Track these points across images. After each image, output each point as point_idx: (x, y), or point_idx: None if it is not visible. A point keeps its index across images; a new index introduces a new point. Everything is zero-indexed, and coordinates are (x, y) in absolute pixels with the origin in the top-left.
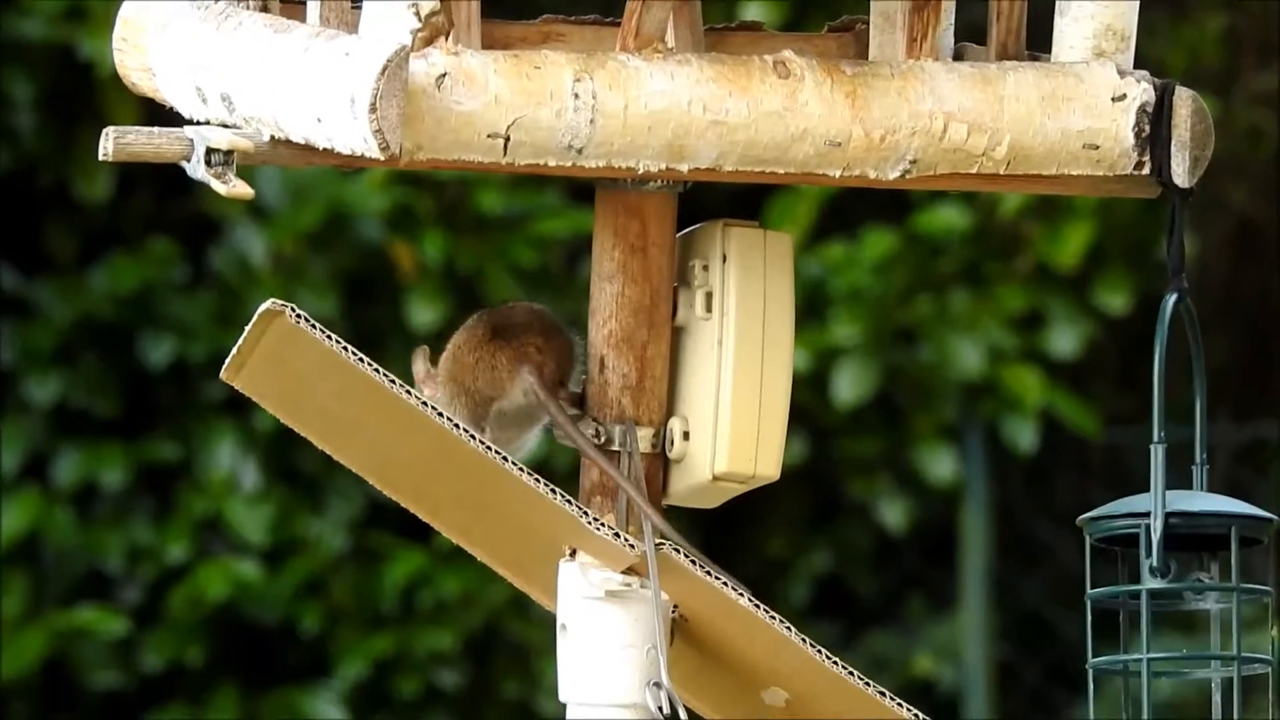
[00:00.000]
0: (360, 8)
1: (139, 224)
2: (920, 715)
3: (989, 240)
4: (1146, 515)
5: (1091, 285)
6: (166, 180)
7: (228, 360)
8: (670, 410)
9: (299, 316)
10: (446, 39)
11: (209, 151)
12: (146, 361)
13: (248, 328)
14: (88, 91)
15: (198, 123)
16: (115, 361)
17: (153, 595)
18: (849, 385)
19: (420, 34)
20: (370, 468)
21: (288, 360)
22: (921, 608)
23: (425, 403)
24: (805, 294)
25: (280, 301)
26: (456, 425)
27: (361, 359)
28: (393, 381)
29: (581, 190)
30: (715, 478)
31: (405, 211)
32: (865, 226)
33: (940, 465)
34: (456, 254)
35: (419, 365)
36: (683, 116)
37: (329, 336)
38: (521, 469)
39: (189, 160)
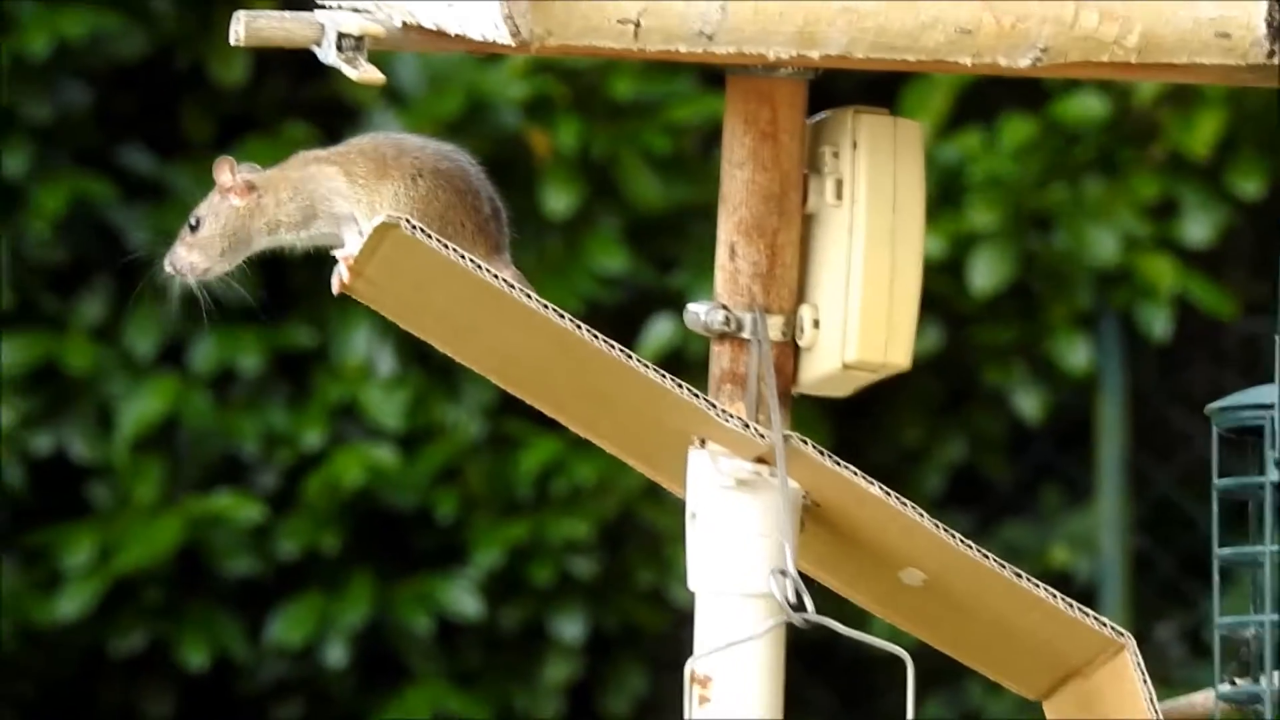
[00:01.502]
0: None
1: (275, 108)
2: (1057, 594)
3: (1124, 128)
4: (1272, 407)
5: (1225, 172)
6: (303, 64)
7: (344, 270)
8: (801, 298)
9: (414, 227)
10: None
11: (340, 36)
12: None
13: (364, 239)
14: None
15: (329, 7)
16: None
17: (288, 481)
18: (985, 272)
19: None
20: (492, 367)
21: (404, 269)
22: (1056, 498)
23: (545, 305)
24: (941, 181)
25: (395, 214)
26: (578, 325)
27: (478, 265)
28: (511, 286)
29: (716, 75)
30: (846, 366)
31: (541, 99)
32: (1002, 114)
33: (1075, 353)
34: (591, 140)
35: (226, 176)
36: (814, 3)
37: (445, 245)
38: (645, 364)
39: (320, 45)
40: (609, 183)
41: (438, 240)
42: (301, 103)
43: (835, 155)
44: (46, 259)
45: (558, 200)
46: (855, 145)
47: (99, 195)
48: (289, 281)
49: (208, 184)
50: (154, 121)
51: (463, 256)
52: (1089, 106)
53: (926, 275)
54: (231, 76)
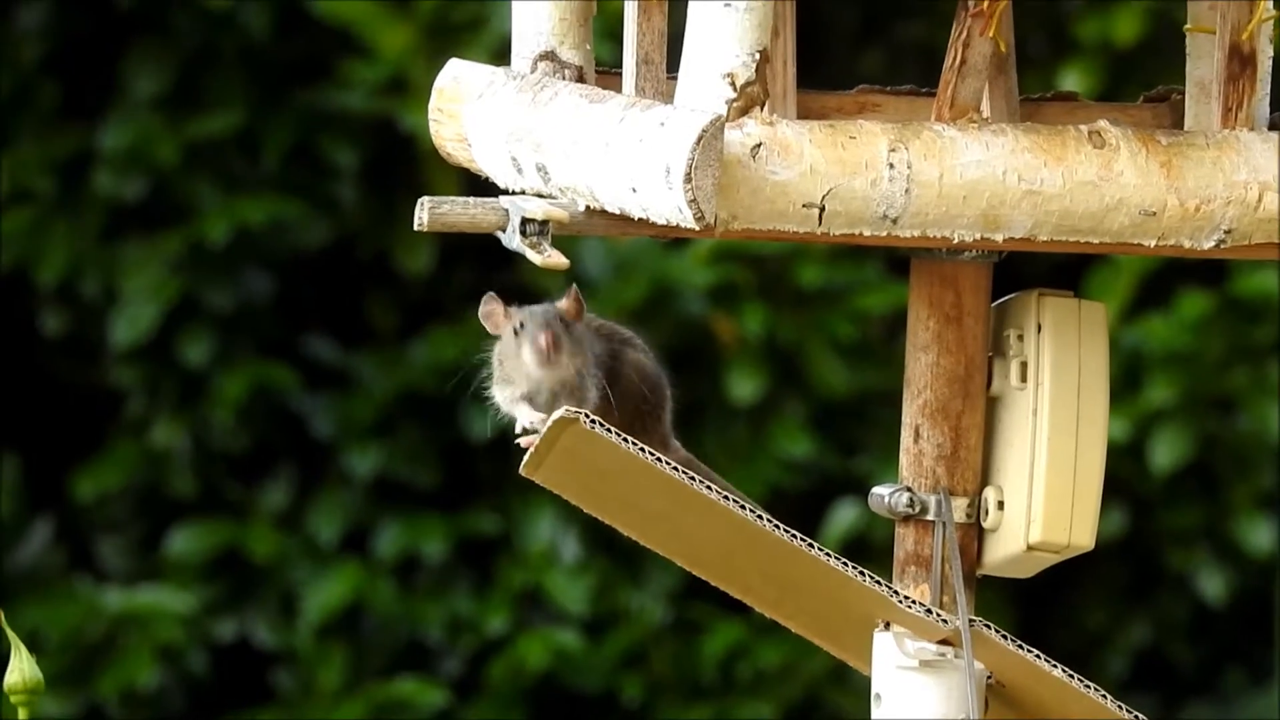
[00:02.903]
0: (676, 78)
1: (460, 296)
2: None
3: None
4: None
5: None
6: (487, 252)
7: (525, 458)
8: (985, 480)
9: (594, 422)
10: (762, 109)
11: (524, 221)
12: (467, 433)
13: (544, 429)
14: (409, 163)
15: (513, 193)
16: (435, 433)
17: (472, 666)
18: (1166, 450)
19: (735, 104)
20: (677, 551)
21: (585, 459)
22: (1239, 679)
23: (726, 495)
24: (1122, 364)
25: (574, 409)
26: (759, 515)
27: (658, 459)
28: (691, 478)
29: (900, 263)
30: (1030, 547)
31: (727, 286)
32: (1180, 291)
33: (1257, 535)
34: (776, 327)
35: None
36: (997, 186)
37: (625, 440)
38: (827, 553)
39: (504, 230)
40: (794, 369)
41: (616, 434)
42: (487, 290)
43: (1020, 338)
44: (229, 446)
45: (743, 387)
46: (1040, 328)
47: (281, 382)
48: (473, 468)
49: (395, 372)
50: (337, 310)
51: (642, 450)
52: (1269, 284)
53: (1109, 458)
54: (416, 265)
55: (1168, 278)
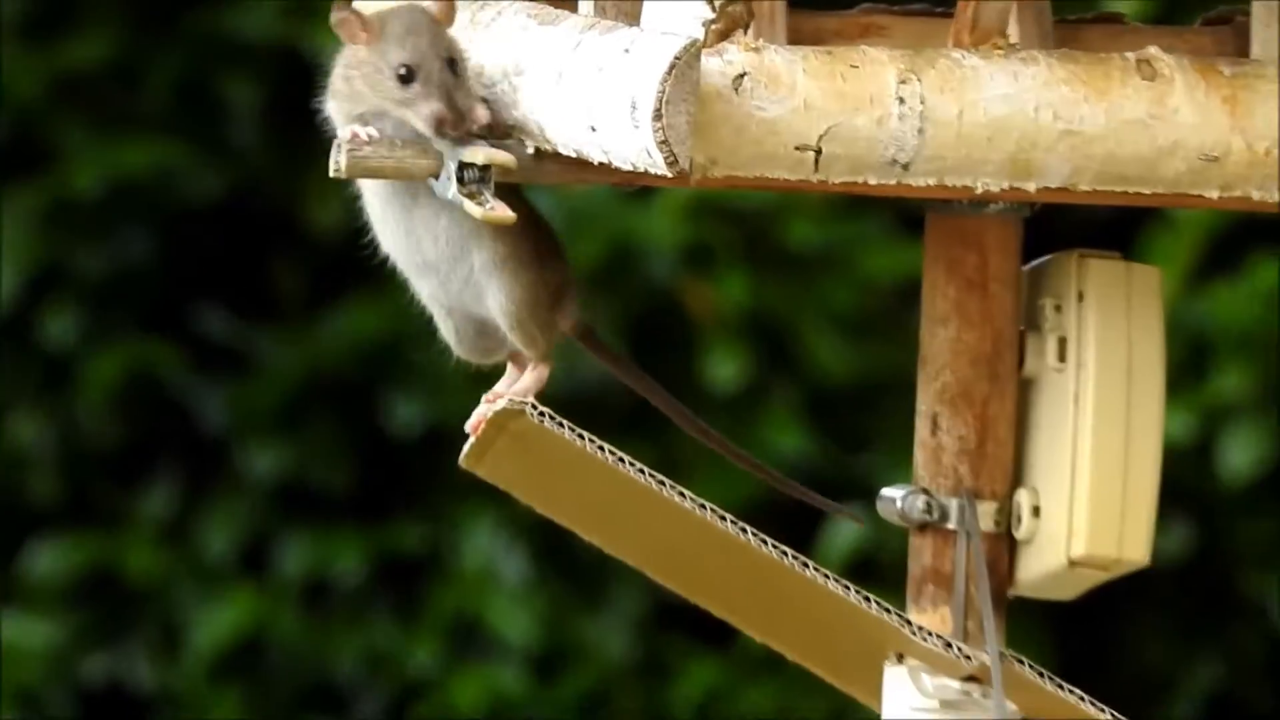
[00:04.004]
0: None
1: (382, 259)
2: None
3: None
4: None
5: None
6: None
7: (465, 448)
8: (1017, 480)
9: (542, 414)
10: (745, 32)
11: (462, 167)
12: (390, 427)
13: (483, 422)
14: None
15: (447, 136)
16: (351, 427)
17: (394, 710)
18: (1239, 452)
19: (715, 26)
20: (646, 561)
21: (534, 452)
22: None
23: (703, 504)
24: (1185, 345)
25: (519, 399)
26: (744, 529)
27: (621, 459)
28: (661, 483)
29: (912, 218)
30: (1072, 562)
31: (701, 246)
32: (1254, 259)
33: None
34: (762, 296)
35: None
36: (1029, 125)
37: (581, 436)
38: (825, 574)
39: (437, 178)
40: (784, 348)
41: (569, 428)
42: None
43: (1057, 309)
44: (101, 442)
45: (722, 369)
46: (1081, 296)
47: (165, 364)
48: (397, 470)
49: (303, 352)
50: (232, 276)
51: (601, 447)
52: None
53: (1170, 461)
54: (329, 220)
55: (1238, 239)
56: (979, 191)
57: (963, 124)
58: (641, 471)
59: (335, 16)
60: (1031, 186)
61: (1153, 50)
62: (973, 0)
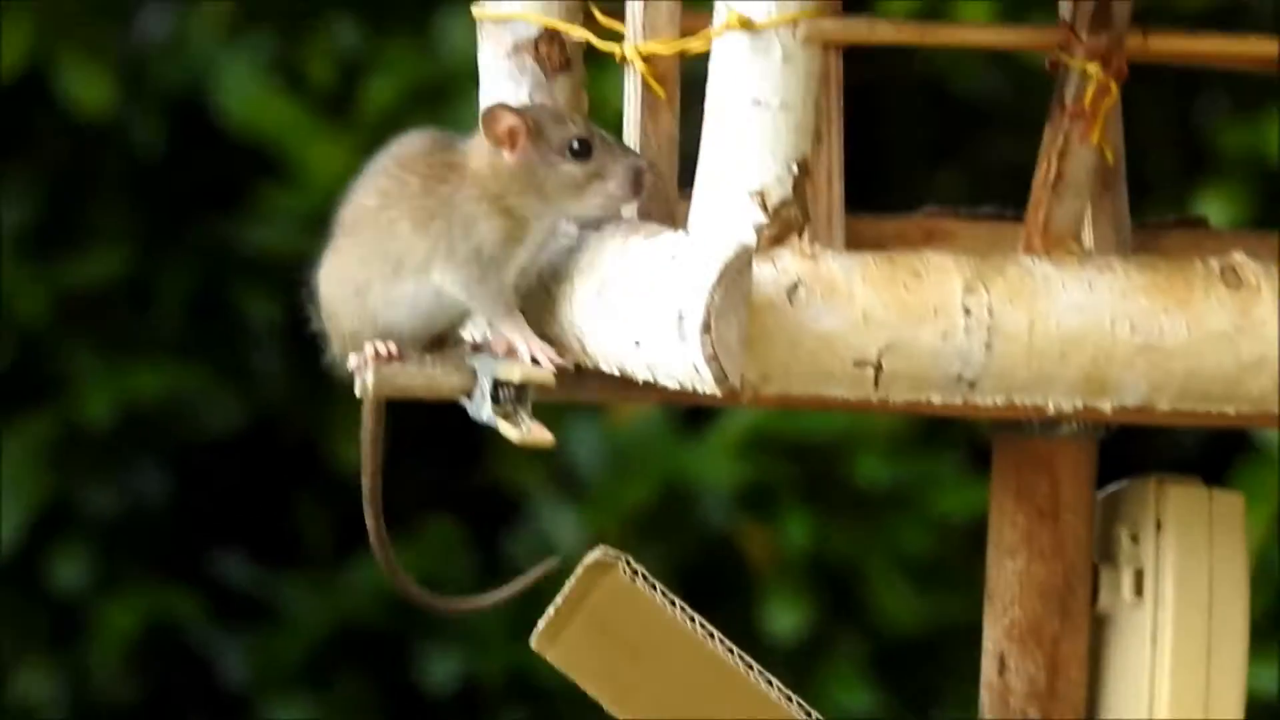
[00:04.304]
0: (689, 196)
1: (410, 497)
2: None
3: None
4: None
5: None
6: (449, 435)
7: (541, 624)
8: None
9: (635, 572)
10: (800, 237)
11: (496, 385)
12: (424, 682)
13: (569, 584)
14: None
15: (481, 348)
16: (382, 682)
17: None
18: None
19: (767, 231)
20: None
21: (617, 626)
22: None
23: (790, 696)
24: (1274, 593)
25: (613, 550)
26: None
27: (711, 633)
28: (749, 666)
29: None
30: None
31: (760, 485)
32: None
33: None
34: (824, 539)
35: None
36: (1104, 339)
37: (673, 603)
38: None
39: (470, 397)
40: (849, 594)
41: (663, 593)
42: (447, 492)
43: (1134, 539)
44: (116, 697)
45: (782, 619)
46: (1159, 526)
47: (182, 613)
48: None
49: (330, 601)
50: (254, 518)
51: (694, 620)
52: None
53: (1252, 712)
54: (355, 455)
55: None
56: (1051, 411)
57: (1034, 337)
58: (730, 651)
59: (495, 122)
60: (1107, 405)
61: (1238, 256)
62: (1045, 203)
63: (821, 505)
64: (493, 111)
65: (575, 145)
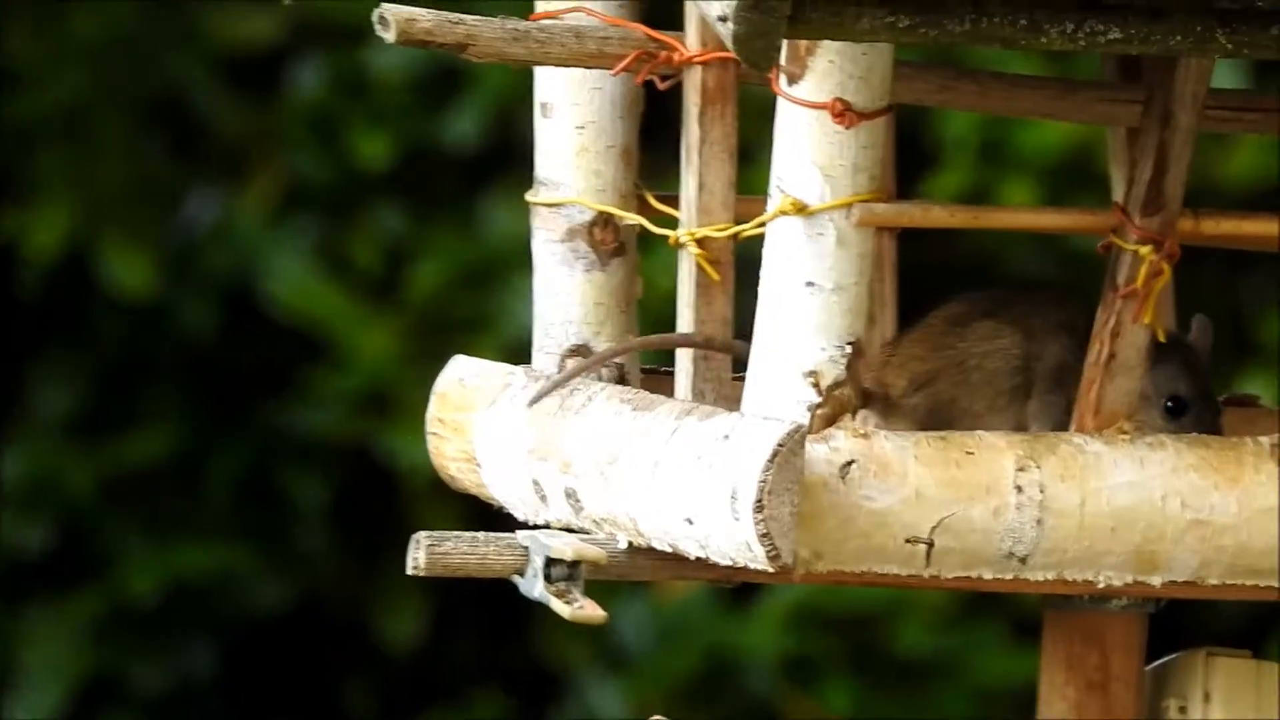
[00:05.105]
0: (743, 378)
1: (458, 674)
2: None
3: None
4: None
5: None
6: (493, 617)
7: None
8: None
9: None
10: (854, 417)
11: (549, 563)
12: None
13: None
14: (391, 499)
15: (534, 526)
16: None
17: None
18: None
19: (820, 411)
20: None
21: None
22: None
23: None
24: None
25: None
26: None
27: None
28: None
29: (1030, 622)
30: None
31: (803, 658)
32: None
33: None
34: (868, 709)
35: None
36: (1155, 515)
37: None
38: None
39: (523, 575)
40: None
41: None
42: (493, 668)
43: (1182, 709)
44: None
45: None
46: (1208, 697)
47: None
48: None
49: None
50: (303, 694)
51: None
52: None
53: None
54: (403, 633)
55: None
56: (1101, 586)
57: (1085, 514)
58: None
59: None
60: (1157, 581)
61: None
62: (1098, 381)
63: (864, 673)
64: None
65: (1169, 403)
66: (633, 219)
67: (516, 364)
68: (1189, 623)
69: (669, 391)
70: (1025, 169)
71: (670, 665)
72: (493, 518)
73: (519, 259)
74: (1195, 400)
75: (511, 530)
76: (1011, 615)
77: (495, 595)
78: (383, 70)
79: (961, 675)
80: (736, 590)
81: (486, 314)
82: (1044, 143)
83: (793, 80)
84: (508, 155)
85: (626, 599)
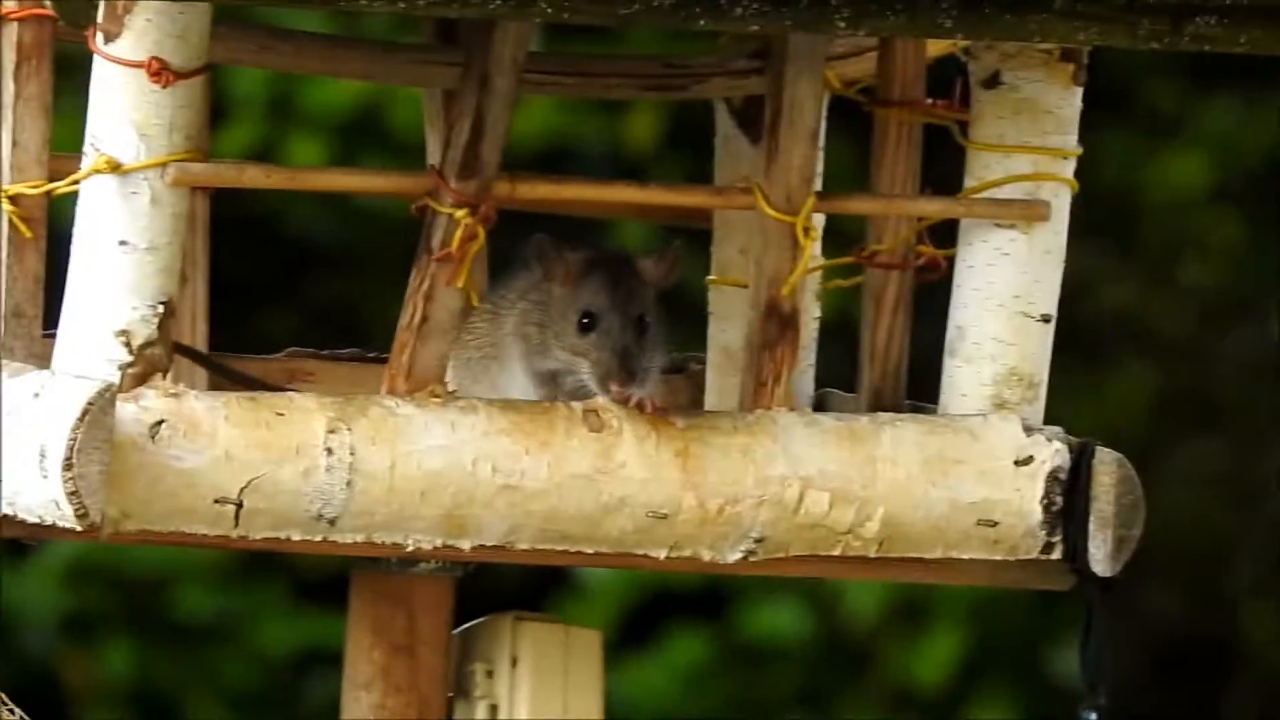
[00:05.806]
0: (55, 335)
1: None
2: None
3: (834, 652)
4: None
5: (966, 706)
6: None
7: None
8: None
9: None
10: (164, 377)
11: None
12: None
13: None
14: None
15: None
16: None
17: None
18: None
19: (131, 370)
20: None
21: None
22: None
23: None
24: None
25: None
26: None
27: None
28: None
29: (313, 586)
30: None
31: (83, 615)
32: (671, 631)
33: None
34: (148, 669)
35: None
36: (465, 479)
37: None
38: None
39: None
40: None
41: None
42: None
43: (489, 674)
44: None
45: None
46: (515, 661)
47: None
48: None
49: None
50: None
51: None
52: (783, 621)
53: None
54: None
55: (653, 606)
56: (410, 549)
57: (395, 477)
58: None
59: (541, 254)
60: (466, 545)
61: (600, 399)
62: (409, 345)
63: (146, 636)
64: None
65: (584, 319)
66: None
67: None
68: (496, 588)
69: None
70: (314, 125)
71: None
72: None
73: None
74: (607, 313)
75: None
76: (293, 577)
77: None
78: None
79: (241, 638)
80: (11, 545)
81: None
82: (332, 100)
83: (109, 38)
84: None
85: None
